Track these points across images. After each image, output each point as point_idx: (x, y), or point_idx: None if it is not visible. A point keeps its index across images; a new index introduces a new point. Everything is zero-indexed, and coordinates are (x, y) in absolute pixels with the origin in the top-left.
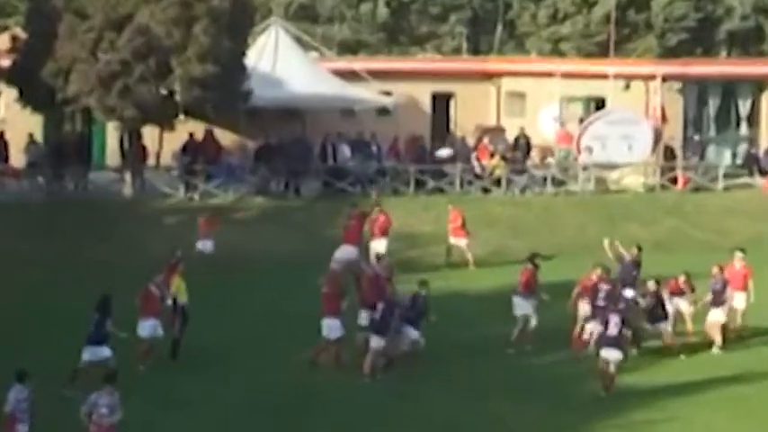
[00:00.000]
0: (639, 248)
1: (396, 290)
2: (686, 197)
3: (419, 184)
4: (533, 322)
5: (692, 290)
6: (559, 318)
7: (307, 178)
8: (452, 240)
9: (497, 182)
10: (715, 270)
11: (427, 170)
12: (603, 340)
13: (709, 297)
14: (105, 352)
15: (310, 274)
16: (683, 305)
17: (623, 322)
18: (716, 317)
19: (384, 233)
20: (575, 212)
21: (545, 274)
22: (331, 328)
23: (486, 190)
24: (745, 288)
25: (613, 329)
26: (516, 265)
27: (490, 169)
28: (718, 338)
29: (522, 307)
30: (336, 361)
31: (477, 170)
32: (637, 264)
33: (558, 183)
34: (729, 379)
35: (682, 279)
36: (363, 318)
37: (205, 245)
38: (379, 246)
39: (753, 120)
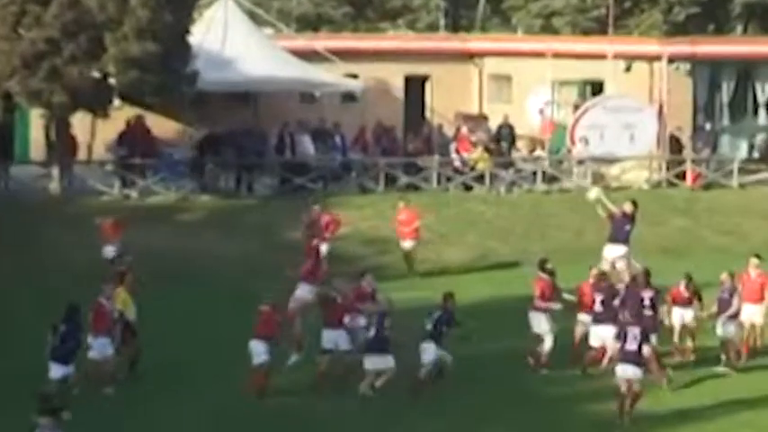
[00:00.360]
0: (635, 204)
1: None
2: (697, 195)
3: (390, 181)
4: (548, 343)
5: (699, 298)
6: (559, 333)
7: (261, 174)
8: (404, 244)
9: (480, 177)
10: (724, 277)
11: (399, 164)
12: (621, 356)
13: (714, 308)
14: (69, 370)
15: (263, 283)
16: (688, 317)
17: (644, 335)
18: (724, 331)
19: (331, 234)
20: (569, 213)
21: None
22: (256, 352)
23: (467, 187)
24: (762, 299)
25: (632, 343)
26: (502, 271)
27: (472, 163)
28: (729, 355)
29: (538, 323)
30: (258, 388)
31: (457, 164)
32: (630, 219)
33: (549, 179)
34: (741, 403)
35: (682, 284)
36: (329, 340)
37: (108, 251)
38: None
39: None
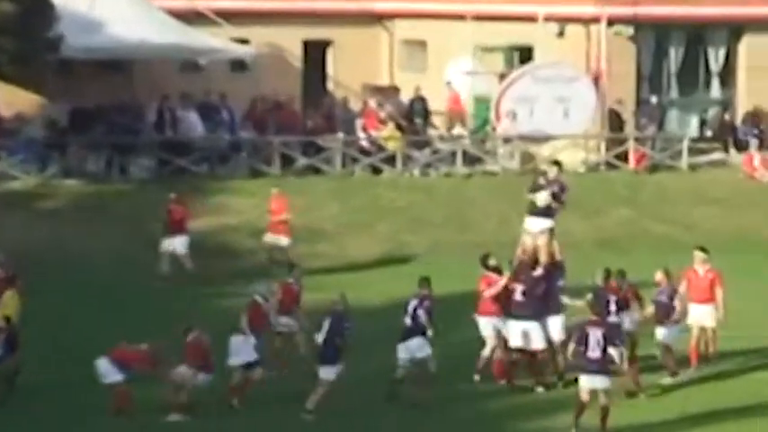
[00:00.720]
0: (558, 164)
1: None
2: (640, 179)
3: (286, 162)
4: (487, 349)
5: (637, 297)
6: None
7: (136, 155)
8: (269, 238)
9: (391, 159)
10: (659, 276)
11: (297, 143)
12: (584, 364)
13: (650, 310)
14: None
15: (138, 283)
16: (627, 322)
17: (606, 339)
18: (664, 338)
19: (181, 228)
20: (494, 199)
21: (452, 282)
22: (105, 372)
23: (376, 169)
24: (711, 299)
25: (595, 349)
26: (416, 266)
27: (381, 142)
28: (670, 363)
29: (485, 326)
30: (121, 406)
31: (364, 143)
32: (561, 187)
33: (471, 160)
34: (696, 419)
35: (615, 283)
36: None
37: None
38: (177, 244)
39: (727, 77)
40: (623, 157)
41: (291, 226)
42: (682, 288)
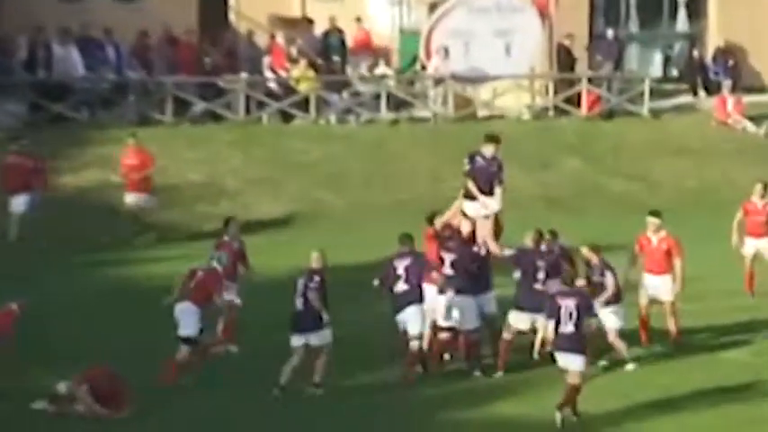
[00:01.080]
0: (495, 139)
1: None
2: (594, 127)
3: (181, 107)
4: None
5: (571, 263)
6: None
7: (3, 98)
8: (130, 198)
9: (303, 103)
10: (587, 252)
11: (193, 85)
12: (556, 341)
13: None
14: None
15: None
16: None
17: (580, 310)
18: (610, 322)
19: (26, 186)
20: (424, 151)
21: (375, 249)
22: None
23: (286, 116)
24: (668, 270)
25: (567, 323)
26: (334, 230)
27: (292, 84)
28: (620, 348)
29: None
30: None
31: (272, 85)
32: (499, 166)
33: (397, 105)
34: (660, 406)
35: (543, 247)
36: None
37: None
38: (15, 204)
39: (696, 7)
40: (575, 101)
41: (189, 182)
42: (632, 259)
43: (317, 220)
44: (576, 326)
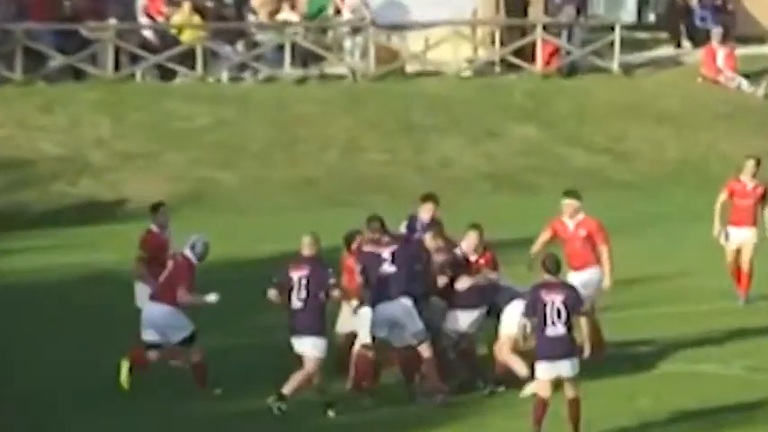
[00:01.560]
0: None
1: None
2: (553, 86)
3: (34, 62)
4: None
5: (494, 265)
6: None
7: None
8: None
9: (188, 57)
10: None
11: (48, 34)
12: (542, 344)
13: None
14: None
15: None
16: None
17: (569, 307)
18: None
19: None
20: (338, 116)
21: (276, 238)
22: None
23: (165, 73)
24: (591, 262)
25: (557, 324)
26: (222, 210)
27: (173, 32)
28: (516, 367)
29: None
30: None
31: (148, 34)
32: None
33: (305, 59)
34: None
35: (472, 238)
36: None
37: None
38: None
39: None
40: (527, 54)
41: (42, 155)
42: (537, 245)
43: (205, 203)
44: (567, 325)
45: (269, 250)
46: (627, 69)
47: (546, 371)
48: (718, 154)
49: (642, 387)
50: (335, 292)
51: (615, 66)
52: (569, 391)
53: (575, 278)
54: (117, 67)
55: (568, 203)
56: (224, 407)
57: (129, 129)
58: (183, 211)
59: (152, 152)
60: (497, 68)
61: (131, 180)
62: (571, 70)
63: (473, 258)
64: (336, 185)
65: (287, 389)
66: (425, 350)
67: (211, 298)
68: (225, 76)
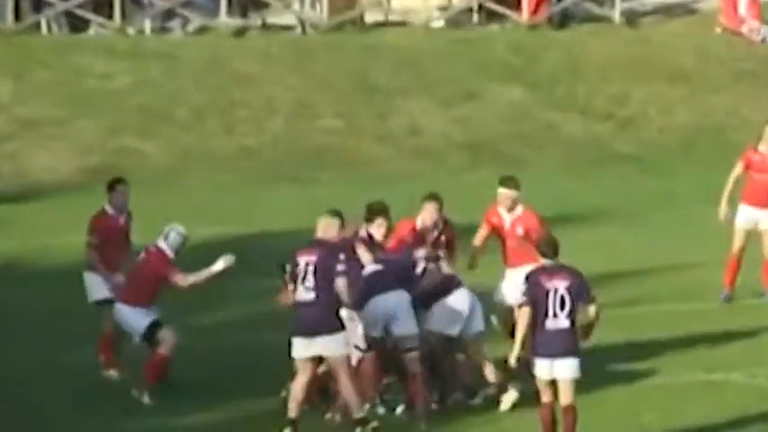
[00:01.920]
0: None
1: None
2: (541, 39)
3: None
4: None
5: (448, 244)
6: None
7: None
8: None
9: (102, 3)
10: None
11: None
12: (539, 340)
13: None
14: None
15: None
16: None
17: (573, 296)
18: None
19: None
20: (284, 74)
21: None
22: None
23: (76, 23)
24: (526, 261)
25: (560, 317)
26: (145, 188)
27: None
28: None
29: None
30: None
31: None
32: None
33: (245, 6)
34: None
35: (431, 211)
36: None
37: None
38: None
39: None
40: (513, 1)
41: None
42: (477, 240)
43: (121, 179)
44: (570, 317)
45: (203, 235)
46: (630, 18)
47: (540, 371)
48: (739, 120)
49: (648, 399)
50: (340, 281)
51: (616, 14)
52: (564, 398)
53: (511, 275)
54: (17, 16)
55: (505, 194)
56: (214, 409)
57: (32, 90)
58: (98, 188)
59: (60, 118)
60: (475, 17)
61: (35, 153)
62: (563, 19)
63: (434, 235)
64: (282, 158)
65: (354, 411)
66: (413, 363)
67: (220, 264)
68: (148, 26)
